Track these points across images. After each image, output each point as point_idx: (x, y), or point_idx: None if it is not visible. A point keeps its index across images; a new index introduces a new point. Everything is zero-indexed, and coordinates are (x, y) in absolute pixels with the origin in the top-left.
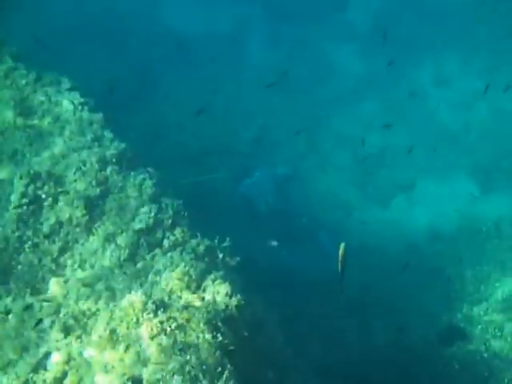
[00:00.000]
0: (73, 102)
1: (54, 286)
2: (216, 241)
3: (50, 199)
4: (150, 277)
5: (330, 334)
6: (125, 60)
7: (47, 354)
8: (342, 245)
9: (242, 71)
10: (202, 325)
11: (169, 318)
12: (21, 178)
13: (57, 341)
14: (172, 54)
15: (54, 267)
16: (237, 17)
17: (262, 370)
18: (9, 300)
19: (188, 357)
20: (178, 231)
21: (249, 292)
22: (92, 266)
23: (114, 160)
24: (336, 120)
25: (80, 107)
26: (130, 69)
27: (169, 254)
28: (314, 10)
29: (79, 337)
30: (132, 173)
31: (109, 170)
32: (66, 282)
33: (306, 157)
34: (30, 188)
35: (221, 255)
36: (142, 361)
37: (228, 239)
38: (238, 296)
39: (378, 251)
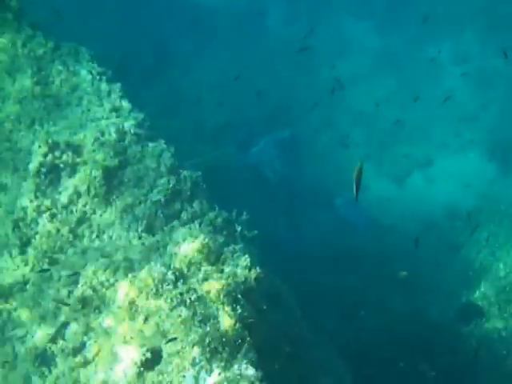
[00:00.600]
0: (91, 72)
1: (72, 256)
2: (234, 214)
3: (68, 169)
4: (169, 248)
5: (346, 307)
6: (142, 32)
7: (65, 324)
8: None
9: (259, 45)
10: (221, 297)
11: (188, 290)
12: (39, 147)
13: (75, 311)
14: (189, 25)
15: (71, 238)
16: None
17: (279, 344)
18: (27, 269)
19: (208, 328)
20: (196, 203)
21: (266, 265)
22: (110, 237)
23: (132, 131)
24: (351, 95)
25: (98, 77)
26: (147, 41)
27: (187, 226)
28: None
29: (97, 307)
30: (150, 143)
31: (127, 140)
32: (83, 252)
33: (321, 131)
34: (48, 157)
35: (239, 228)
36: (162, 332)
37: (245, 213)
38: (257, 268)
39: (395, 229)
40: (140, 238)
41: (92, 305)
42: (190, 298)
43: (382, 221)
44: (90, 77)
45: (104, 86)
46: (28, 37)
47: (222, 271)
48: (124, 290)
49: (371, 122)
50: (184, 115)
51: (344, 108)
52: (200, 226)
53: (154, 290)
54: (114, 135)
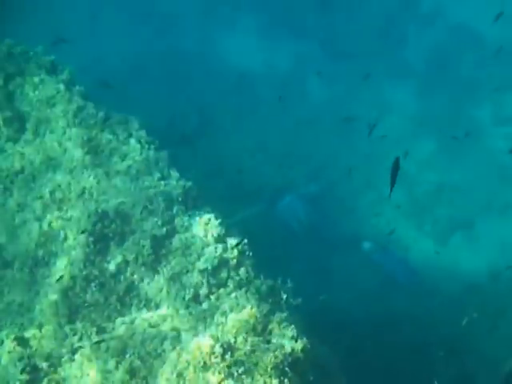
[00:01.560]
0: (140, 141)
1: (120, 327)
2: (279, 281)
3: (117, 238)
4: (216, 318)
5: (392, 373)
6: (186, 97)
7: None
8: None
9: (300, 109)
10: (269, 369)
11: (236, 362)
12: (89, 216)
13: (122, 382)
14: (232, 90)
15: (119, 306)
16: (295, 54)
17: None
18: (75, 339)
19: None
20: (242, 271)
21: (310, 333)
22: (157, 306)
23: (180, 199)
24: (391, 158)
25: (147, 146)
26: (191, 106)
27: (233, 295)
28: (370, 46)
29: (145, 378)
30: (197, 212)
31: (175, 209)
32: (131, 322)
33: (363, 193)
34: (98, 226)
35: (284, 296)
36: None
37: (289, 280)
38: (304, 339)
39: (438, 291)
40: (187, 307)
41: (140, 376)
42: (237, 371)
43: (423, 282)
44: (138, 146)
45: (152, 155)
46: (79, 107)
47: (268, 342)
48: (172, 362)
49: (412, 184)
50: (226, 178)
51: (384, 170)
52: (246, 293)
53: (202, 363)
54: (162, 204)
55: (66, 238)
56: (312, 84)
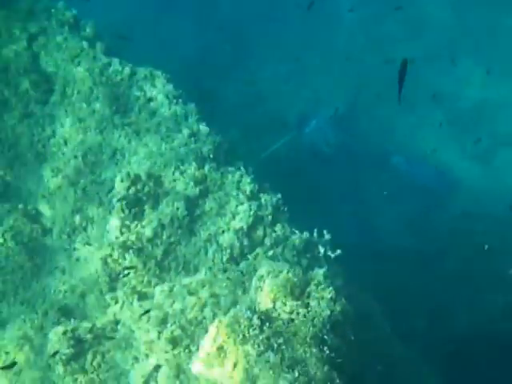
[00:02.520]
0: (167, 96)
1: (160, 295)
2: (315, 235)
3: (151, 201)
4: (254, 282)
5: (435, 309)
6: (217, 25)
7: (157, 367)
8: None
9: (333, 35)
10: (308, 339)
11: (275, 333)
12: (122, 180)
13: (166, 352)
14: (263, 16)
15: (158, 271)
16: None
17: (370, 366)
18: (117, 308)
19: (296, 374)
20: (278, 227)
21: (351, 283)
22: (195, 268)
23: (211, 156)
24: (430, 76)
25: (174, 101)
26: (222, 34)
27: (270, 253)
28: None
29: (187, 347)
30: (229, 168)
31: (207, 167)
32: (171, 290)
33: (401, 114)
34: (131, 190)
35: (322, 249)
36: (251, 378)
37: (326, 232)
38: (343, 300)
39: (483, 216)
40: (225, 270)
41: (182, 344)
42: (276, 342)
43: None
44: (167, 101)
45: (180, 110)
46: (104, 65)
47: (307, 305)
48: (211, 336)
49: (452, 101)
50: (262, 108)
51: (421, 87)
52: (283, 251)
53: (241, 336)
54: (193, 163)
55: (101, 203)
56: (345, 6)
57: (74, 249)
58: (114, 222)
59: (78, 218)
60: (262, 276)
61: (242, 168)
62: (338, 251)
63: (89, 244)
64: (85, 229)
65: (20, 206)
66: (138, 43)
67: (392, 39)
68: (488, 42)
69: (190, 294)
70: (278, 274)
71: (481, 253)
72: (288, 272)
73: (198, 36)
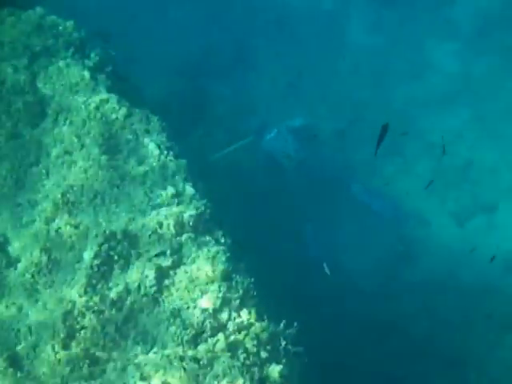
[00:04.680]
0: (159, 147)
1: (112, 373)
2: (282, 325)
3: (122, 261)
4: (209, 380)
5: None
6: (222, 29)
7: None
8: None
9: (336, 54)
10: None
11: None
12: (96, 236)
13: None
14: (270, 27)
15: (117, 337)
16: None
17: None
18: (67, 370)
19: None
20: (244, 313)
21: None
22: (154, 340)
23: (191, 223)
24: (423, 123)
25: (165, 152)
26: (228, 38)
27: (231, 339)
28: None
29: None
30: (207, 239)
31: (184, 236)
32: (123, 369)
33: (387, 157)
34: (104, 248)
35: (283, 343)
36: None
37: (295, 324)
38: None
39: (451, 279)
40: (182, 358)
41: None
42: None
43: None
44: (157, 151)
45: (170, 164)
46: (102, 100)
47: None
48: None
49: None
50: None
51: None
52: (244, 339)
53: None
54: (172, 229)
55: (72, 248)
56: (351, 29)
57: (36, 290)
58: (81, 279)
59: (44, 259)
60: (218, 376)
61: (220, 240)
62: (300, 348)
63: (51, 289)
64: (50, 272)
65: None
66: (143, 35)
67: (393, 76)
68: (488, 99)
69: (142, 378)
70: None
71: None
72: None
73: (205, 34)
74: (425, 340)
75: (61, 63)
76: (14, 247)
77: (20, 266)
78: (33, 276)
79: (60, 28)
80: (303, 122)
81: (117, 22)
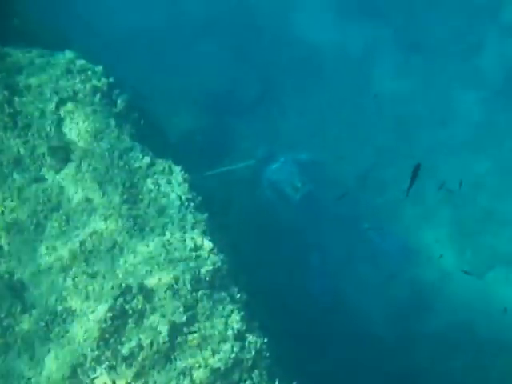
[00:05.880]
0: (181, 198)
1: None
2: None
3: (136, 316)
4: None
5: None
6: (250, 63)
7: None
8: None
9: (363, 98)
10: None
11: None
12: (112, 288)
13: None
14: (297, 65)
15: None
16: (368, 38)
17: None
18: None
19: None
20: (255, 374)
21: None
22: None
23: (207, 279)
24: (445, 171)
25: (186, 203)
26: (253, 74)
27: None
28: (446, 44)
29: None
30: (223, 295)
31: (200, 293)
32: None
33: (405, 205)
34: (119, 301)
35: None
36: None
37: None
38: None
39: (467, 329)
40: None
41: None
42: None
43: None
44: (178, 203)
45: (190, 217)
46: (126, 149)
47: None
48: None
49: (459, 203)
50: None
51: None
52: None
53: None
54: (188, 285)
55: (87, 297)
56: (378, 73)
57: (48, 338)
58: (93, 333)
59: (59, 308)
60: None
61: (235, 296)
62: None
63: (63, 339)
64: (64, 321)
65: (6, 275)
66: (171, 69)
67: (418, 121)
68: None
69: None
70: None
71: None
72: None
73: (231, 67)
74: None
75: (87, 109)
76: (31, 295)
77: (34, 312)
78: (47, 324)
79: (89, 73)
80: (310, 156)
81: (146, 57)
